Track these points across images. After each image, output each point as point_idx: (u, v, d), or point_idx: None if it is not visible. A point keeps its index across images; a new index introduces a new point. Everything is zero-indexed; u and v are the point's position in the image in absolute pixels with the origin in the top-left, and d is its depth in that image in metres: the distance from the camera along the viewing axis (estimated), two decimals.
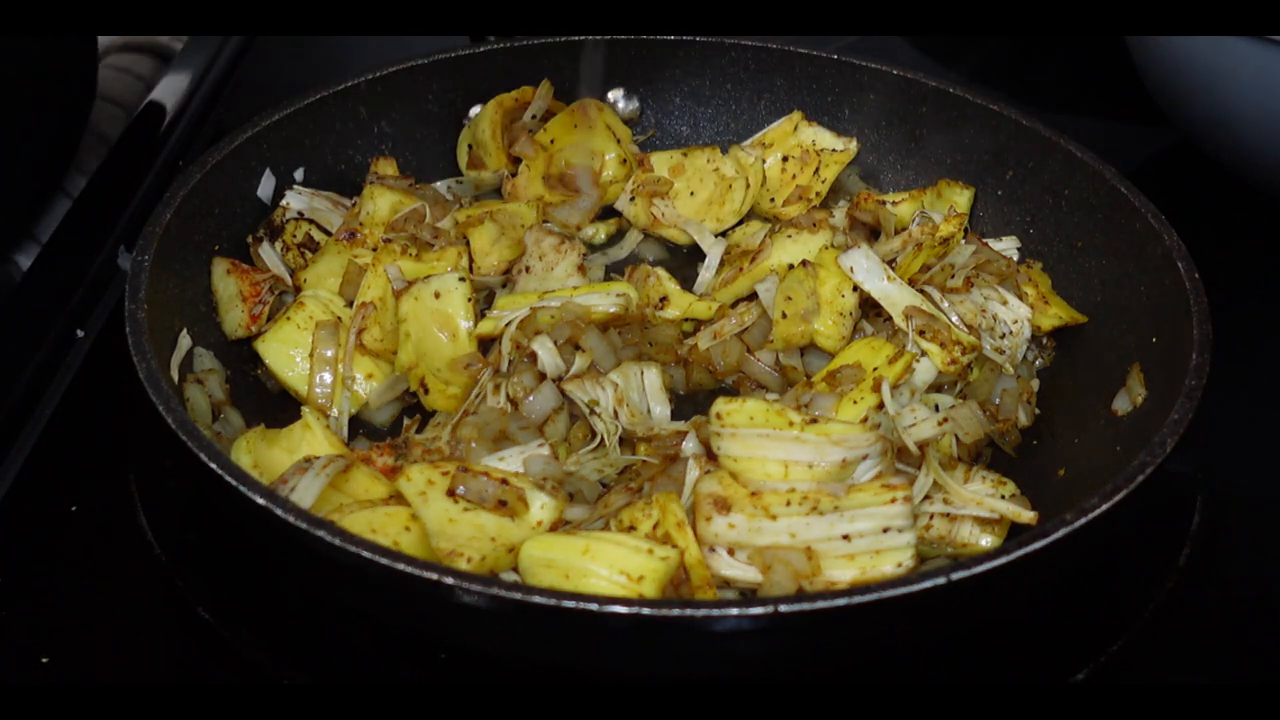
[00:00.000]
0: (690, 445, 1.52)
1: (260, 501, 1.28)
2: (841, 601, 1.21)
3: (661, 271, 1.82)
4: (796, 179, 2.00)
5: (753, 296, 1.75)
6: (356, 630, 1.42)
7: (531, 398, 1.57)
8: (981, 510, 1.48)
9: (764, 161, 2.01)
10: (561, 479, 1.48)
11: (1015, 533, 1.49)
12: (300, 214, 1.84)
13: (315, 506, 1.39)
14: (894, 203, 1.88)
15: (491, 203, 1.92)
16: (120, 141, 2.18)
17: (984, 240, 1.81)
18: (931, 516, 1.49)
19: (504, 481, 1.42)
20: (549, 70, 2.04)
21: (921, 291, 1.69)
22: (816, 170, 1.99)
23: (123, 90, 2.40)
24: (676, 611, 1.21)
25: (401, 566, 1.23)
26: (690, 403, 1.69)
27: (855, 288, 1.68)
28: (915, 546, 1.38)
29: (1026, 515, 1.47)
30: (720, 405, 1.45)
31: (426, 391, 1.65)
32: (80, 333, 1.79)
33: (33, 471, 1.59)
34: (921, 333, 1.63)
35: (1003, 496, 1.50)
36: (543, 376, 1.60)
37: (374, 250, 1.74)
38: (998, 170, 1.90)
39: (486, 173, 1.99)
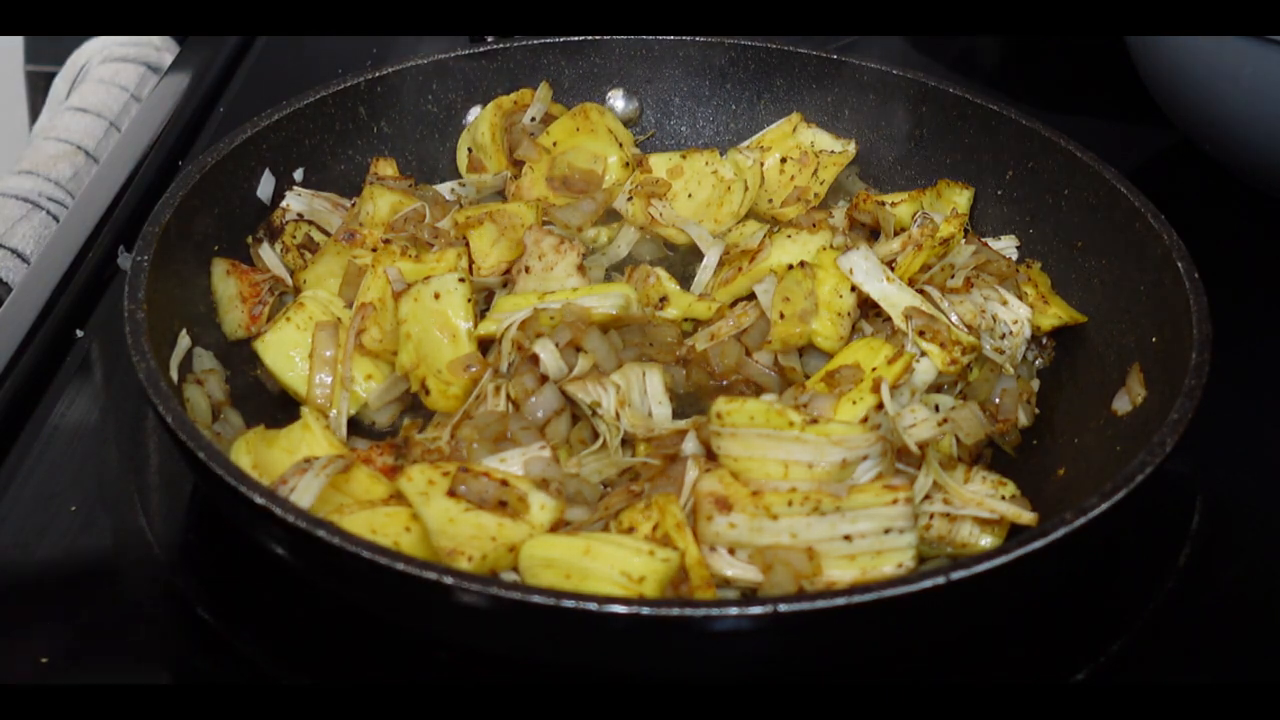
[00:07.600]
0: (690, 445, 1.52)
1: (260, 501, 1.28)
2: (841, 601, 1.21)
3: (661, 271, 1.82)
4: (794, 180, 2.00)
5: (752, 297, 1.75)
6: (356, 630, 1.42)
7: (533, 399, 1.57)
8: (981, 511, 1.47)
9: (762, 164, 2.01)
10: (563, 481, 1.48)
11: (1015, 533, 1.48)
12: (300, 215, 1.84)
13: (315, 506, 1.39)
14: (894, 203, 1.88)
15: (491, 204, 1.92)
16: (120, 142, 2.18)
17: (984, 240, 1.81)
18: (931, 516, 1.49)
19: (504, 482, 1.42)
20: (549, 71, 2.04)
21: (921, 292, 1.69)
22: (815, 172, 1.99)
23: (115, 94, 2.40)
24: (676, 611, 1.21)
25: (401, 566, 1.23)
26: (690, 403, 1.69)
27: (853, 288, 1.68)
28: (916, 547, 1.38)
29: (1027, 516, 1.47)
30: (720, 405, 1.45)
31: (428, 393, 1.65)
32: (80, 333, 1.79)
33: (33, 471, 1.59)
34: (921, 333, 1.62)
35: (1003, 497, 1.50)
36: (544, 378, 1.60)
37: (374, 251, 1.74)
38: (998, 170, 1.90)
39: (488, 175, 1.99)
